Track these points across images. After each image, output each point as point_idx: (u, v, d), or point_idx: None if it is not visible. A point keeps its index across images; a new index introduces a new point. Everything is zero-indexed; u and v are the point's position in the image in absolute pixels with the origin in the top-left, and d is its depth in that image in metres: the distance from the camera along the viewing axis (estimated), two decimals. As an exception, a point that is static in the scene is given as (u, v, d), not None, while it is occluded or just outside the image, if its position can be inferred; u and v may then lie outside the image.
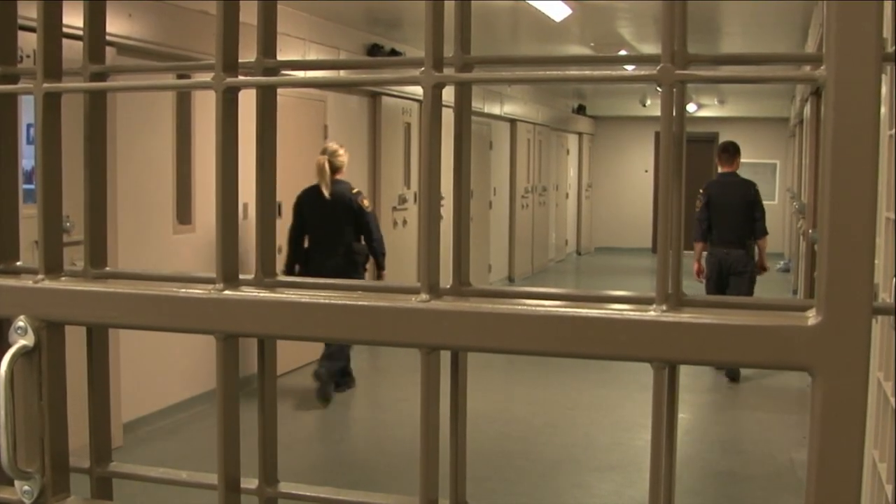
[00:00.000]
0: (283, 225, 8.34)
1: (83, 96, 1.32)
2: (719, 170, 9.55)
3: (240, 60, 1.19)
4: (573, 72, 1.15)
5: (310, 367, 9.54)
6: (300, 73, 4.89)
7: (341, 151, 8.12)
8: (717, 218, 9.24)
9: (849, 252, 0.90)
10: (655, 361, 1.00)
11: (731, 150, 9.49)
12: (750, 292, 9.18)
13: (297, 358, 9.40)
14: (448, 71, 1.11)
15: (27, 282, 1.26)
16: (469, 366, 1.23)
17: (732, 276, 9.21)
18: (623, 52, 12.28)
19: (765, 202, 9.76)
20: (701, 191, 9.53)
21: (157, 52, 7.13)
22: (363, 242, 8.13)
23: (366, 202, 8.08)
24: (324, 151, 8.13)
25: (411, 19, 10.05)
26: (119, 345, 6.46)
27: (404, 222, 11.78)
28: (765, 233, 9.35)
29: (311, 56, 9.21)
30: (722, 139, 22.01)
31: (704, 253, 9.45)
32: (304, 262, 8.03)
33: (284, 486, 1.28)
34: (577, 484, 6.56)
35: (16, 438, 1.21)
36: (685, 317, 0.97)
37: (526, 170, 17.29)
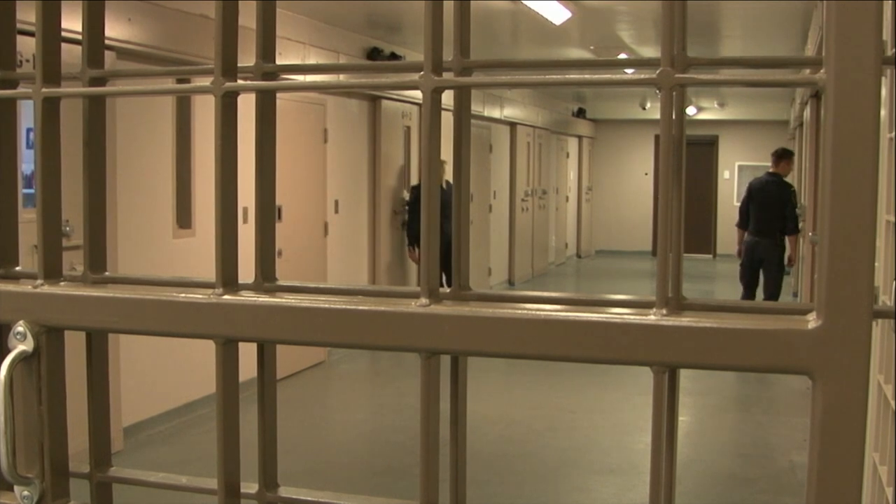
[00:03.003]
0: (283, 229, 8.35)
1: (82, 101, 1.32)
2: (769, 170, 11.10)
3: (239, 64, 1.19)
4: (573, 75, 1.15)
5: (309, 372, 9.55)
6: (300, 77, 4.89)
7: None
8: (753, 211, 10.80)
9: (849, 255, 0.89)
10: (655, 365, 1.00)
11: (777, 154, 10.94)
12: (778, 276, 10.77)
13: (297, 363, 9.40)
14: (447, 75, 1.11)
15: (26, 287, 1.25)
16: (469, 369, 1.23)
17: (763, 261, 10.72)
18: (623, 56, 12.29)
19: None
20: (748, 185, 11.32)
21: (157, 57, 7.13)
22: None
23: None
24: None
25: (411, 23, 10.05)
26: (119, 349, 6.46)
27: (403, 225, 11.77)
28: (796, 231, 10.91)
29: (311, 60, 9.21)
30: (722, 142, 22.20)
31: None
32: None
33: (284, 491, 1.28)
34: (577, 487, 6.56)
35: (15, 443, 1.21)
36: (685, 321, 0.97)
37: (526, 173, 17.28)
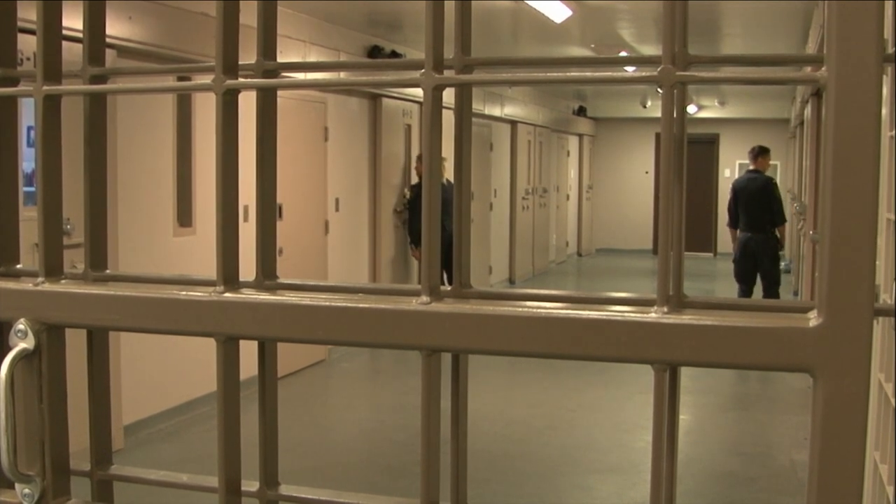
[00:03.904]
0: (283, 227, 8.34)
1: (83, 99, 1.32)
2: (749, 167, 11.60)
3: (240, 62, 1.19)
4: (574, 73, 1.15)
5: (310, 370, 9.55)
6: (300, 75, 4.88)
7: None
8: (741, 208, 11.14)
9: (850, 253, 0.89)
10: (656, 363, 1.00)
11: (755, 152, 11.35)
12: (774, 269, 11.12)
13: (298, 360, 9.40)
14: (448, 73, 1.11)
15: (27, 284, 1.25)
16: (469, 367, 1.23)
17: (756, 256, 11.04)
18: (623, 54, 12.29)
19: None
20: (731, 186, 11.78)
21: (158, 55, 7.13)
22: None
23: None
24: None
25: (412, 21, 10.05)
26: (119, 347, 6.46)
27: (405, 223, 11.78)
28: (783, 221, 11.33)
29: (312, 58, 9.21)
30: (723, 140, 22.19)
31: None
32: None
33: (285, 489, 1.28)
34: (577, 485, 6.56)
35: (16, 441, 1.21)
36: (686, 318, 0.97)
37: (526, 171, 17.28)
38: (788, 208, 12.84)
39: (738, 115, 21.24)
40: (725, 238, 20.93)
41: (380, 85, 1.46)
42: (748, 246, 11.05)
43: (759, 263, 11.05)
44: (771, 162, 11.75)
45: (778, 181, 12.52)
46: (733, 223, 11.34)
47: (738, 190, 11.23)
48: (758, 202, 10.99)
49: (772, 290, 11.04)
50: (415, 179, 11.88)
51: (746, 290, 11.15)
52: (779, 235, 11.24)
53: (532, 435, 7.66)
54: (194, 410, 7.68)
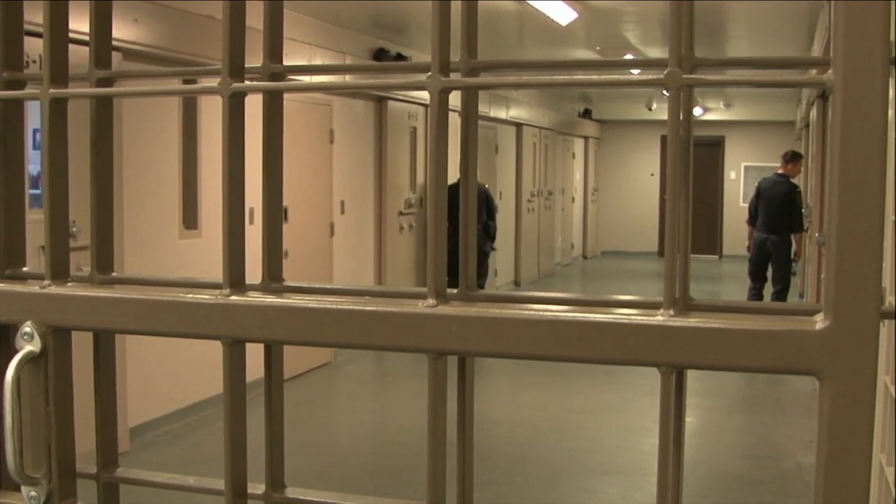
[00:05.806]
0: (289, 230, 8.35)
1: (90, 102, 1.32)
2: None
3: (246, 65, 1.19)
4: (580, 76, 1.15)
5: (315, 373, 9.55)
6: (306, 78, 4.87)
7: None
8: (761, 209, 11.42)
9: (856, 256, 0.89)
10: (663, 366, 0.99)
11: (786, 157, 11.62)
12: (786, 271, 11.42)
13: (303, 363, 9.41)
14: (455, 76, 1.11)
15: (34, 287, 1.26)
16: (475, 369, 1.23)
17: (770, 257, 11.34)
18: (629, 56, 12.29)
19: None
20: (757, 185, 11.93)
21: (164, 57, 7.14)
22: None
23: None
24: None
25: (417, 23, 10.05)
26: (125, 350, 6.47)
27: (410, 227, 11.78)
28: (800, 229, 11.49)
29: (317, 60, 9.21)
30: (728, 142, 22.16)
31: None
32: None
33: (291, 492, 1.28)
34: (583, 488, 6.55)
35: (22, 444, 1.21)
36: (693, 321, 0.97)
37: (532, 174, 17.27)
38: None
39: (744, 118, 21.22)
40: (730, 240, 21.01)
41: (387, 88, 1.45)
42: (764, 246, 11.30)
43: (773, 264, 11.30)
44: (776, 164, 11.82)
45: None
46: (752, 221, 11.58)
47: (762, 191, 11.47)
48: (777, 207, 11.22)
49: (782, 295, 11.21)
50: (421, 181, 11.92)
51: (758, 289, 11.39)
52: (794, 242, 11.43)
53: (538, 437, 7.66)
54: (200, 413, 7.68)
